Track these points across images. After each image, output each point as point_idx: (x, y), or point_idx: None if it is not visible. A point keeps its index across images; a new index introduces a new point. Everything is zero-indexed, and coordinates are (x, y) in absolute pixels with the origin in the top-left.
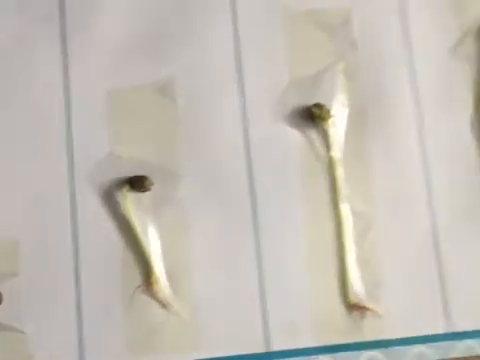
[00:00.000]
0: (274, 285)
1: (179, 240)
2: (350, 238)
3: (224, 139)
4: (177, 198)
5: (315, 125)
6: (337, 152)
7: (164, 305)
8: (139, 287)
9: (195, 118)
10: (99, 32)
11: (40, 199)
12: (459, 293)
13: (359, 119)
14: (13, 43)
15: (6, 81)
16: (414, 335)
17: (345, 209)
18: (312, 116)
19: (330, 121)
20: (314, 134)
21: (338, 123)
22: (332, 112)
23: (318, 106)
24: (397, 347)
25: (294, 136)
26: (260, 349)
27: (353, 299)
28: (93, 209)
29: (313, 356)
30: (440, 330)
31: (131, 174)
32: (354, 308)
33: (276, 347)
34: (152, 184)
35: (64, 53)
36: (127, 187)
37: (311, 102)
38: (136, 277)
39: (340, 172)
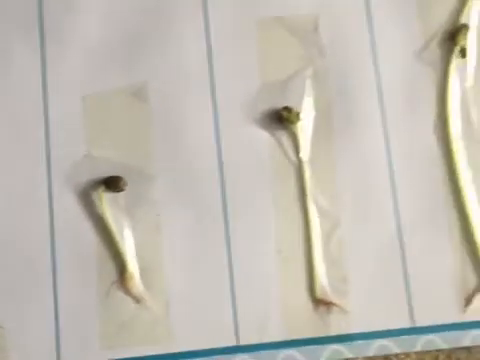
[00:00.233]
0: (244, 281)
1: (152, 238)
2: (317, 236)
3: (196, 141)
4: (150, 198)
5: (284, 128)
6: (305, 154)
7: (137, 300)
8: (114, 283)
9: (168, 121)
10: (75, 38)
11: (19, 199)
12: (421, 290)
13: (327, 122)
14: None
15: None
16: (378, 329)
17: (312, 209)
18: (281, 119)
19: (299, 124)
20: (283, 136)
21: (306, 126)
22: (301, 115)
23: (287, 109)
24: (361, 341)
25: (264, 138)
26: (230, 343)
27: (320, 295)
28: (70, 208)
29: (279, 349)
30: (403, 325)
31: (106, 175)
32: (321, 303)
33: (245, 341)
34: (126, 184)
35: (42, 59)
36: (102, 187)
37: (281, 106)
38: (111, 274)
39: (308, 173)
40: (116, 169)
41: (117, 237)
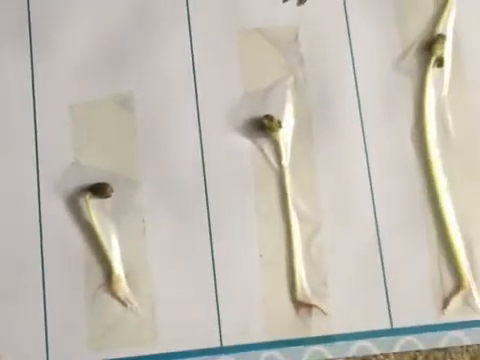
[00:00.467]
0: (227, 285)
1: (138, 243)
2: (298, 241)
3: (180, 149)
4: (136, 204)
5: (266, 135)
6: (286, 161)
7: (124, 303)
8: (101, 286)
9: (153, 129)
10: (62, 49)
11: (8, 205)
12: (400, 292)
13: (307, 129)
14: None
15: None
16: (358, 331)
17: (293, 214)
18: (263, 127)
19: (280, 132)
20: (265, 144)
21: (287, 133)
22: (282, 123)
23: (269, 117)
24: (341, 342)
25: (246, 145)
26: (213, 344)
27: (301, 297)
28: (58, 214)
29: (262, 350)
30: (382, 326)
31: (93, 182)
32: (302, 306)
33: (228, 342)
34: (113, 191)
35: (31, 69)
36: (89, 194)
37: (262, 114)
38: (98, 277)
39: (289, 179)
40: (103, 176)
41: (104, 242)
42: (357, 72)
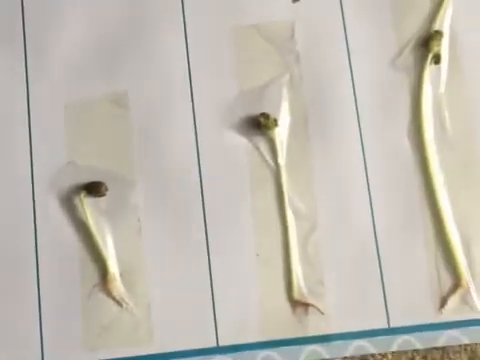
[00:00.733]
0: (223, 284)
1: (133, 242)
2: (295, 239)
3: (176, 147)
4: (131, 203)
5: (262, 133)
6: (282, 159)
7: (119, 303)
8: (96, 286)
9: (148, 128)
10: (57, 48)
11: (3, 204)
12: (397, 291)
13: (303, 127)
14: None
15: None
16: (355, 330)
17: (290, 212)
18: (259, 125)
19: (276, 130)
20: (261, 142)
21: (283, 131)
22: (278, 121)
23: (264, 116)
24: (338, 342)
25: (242, 144)
26: (210, 344)
27: (297, 297)
28: (53, 213)
29: (258, 350)
30: (379, 326)
31: (88, 181)
32: (298, 305)
33: (225, 342)
34: (107, 190)
35: (25, 69)
36: (84, 193)
37: (258, 112)
38: (93, 276)
39: (285, 177)
40: (98, 175)
41: (99, 241)
42: (353, 69)
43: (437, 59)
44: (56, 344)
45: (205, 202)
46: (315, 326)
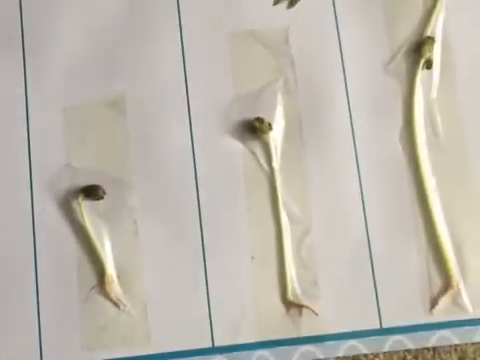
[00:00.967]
0: (218, 285)
1: (130, 244)
2: (289, 242)
3: (172, 151)
4: (128, 205)
5: (257, 137)
6: (277, 162)
7: (116, 304)
8: (94, 287)
9: (145, 132)
10: (55, 52)
11: (2, 206)
12: (389, 292)
13: (297, 131)
14: None
15: None
16: (347, 331)
17: (284, 215)
18: (254, 129)
19: (270, 134)
20: (256, 146)
21: (278, 135)
22: (272, 125)
23: (259, 120)
24: (331, 342)
25: (237, 147)
26: (205, 344)
27: (291, 298)
28: (51, 216)
29: (253, 351)
30: (371, 326)
31: (85, 183)
32: (292, 306)
33: (220, 342)
34: (105, 193)
35: (24, 72)
36: (82, 196)
37: (253, 116)
38: (91, 278)
39: (279, 181)
40: (95, 178)
41: (96, 243)
42: (347, 74)
43: (429, 64)
44: (55, 345)
45: (201, 205)
46: (309, 327)
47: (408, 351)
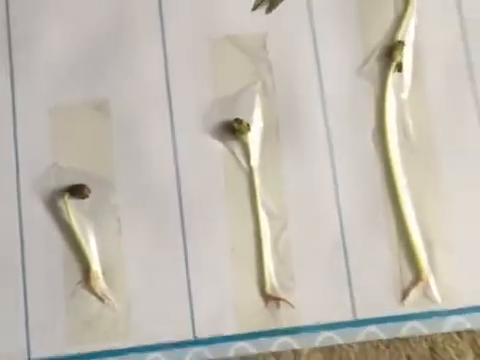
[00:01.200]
0: (199, 280)
1: (114, 241)
2: (267, 237)
3: (154, 151)
4: (112, 204)
5: (236, 138)
6: (255, 162)
7: (101, 299)
8: (79, 283)
9: (128, 133)
10: (42, 54)
11: None
12: (362, 285)
13: (275, 132)
14: None
15: None
16: (323, 322)
17: (262, 212)
18: (233, 130)
19: (249, 134)
20: (235, 146)
21: (256, 136)
22: (251, 126)
23: (238, 121)
24: (308, 333)
25: (218, 148)
26: (187, 337)
27: (269, 291)
28: (38, 214)
29: (233, 342)
30: (346, 318)
31: (71, 182)
32: (270, 299)
33: (201, 335)
34: (90, 192)
35: (11, 74)
36: (68, 195)
37: (232, 118)
38: (76, 274)
39: (258, 180)
40: (81, 178)
41: (82, 240)
42: (322, 77)
43: (400, 67)
44: (42, 339)
45: (182, 203)
46: (286, 319)
47: (381, 341)
